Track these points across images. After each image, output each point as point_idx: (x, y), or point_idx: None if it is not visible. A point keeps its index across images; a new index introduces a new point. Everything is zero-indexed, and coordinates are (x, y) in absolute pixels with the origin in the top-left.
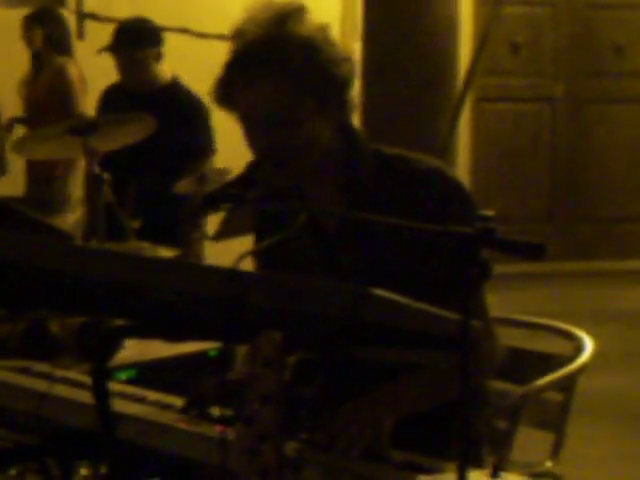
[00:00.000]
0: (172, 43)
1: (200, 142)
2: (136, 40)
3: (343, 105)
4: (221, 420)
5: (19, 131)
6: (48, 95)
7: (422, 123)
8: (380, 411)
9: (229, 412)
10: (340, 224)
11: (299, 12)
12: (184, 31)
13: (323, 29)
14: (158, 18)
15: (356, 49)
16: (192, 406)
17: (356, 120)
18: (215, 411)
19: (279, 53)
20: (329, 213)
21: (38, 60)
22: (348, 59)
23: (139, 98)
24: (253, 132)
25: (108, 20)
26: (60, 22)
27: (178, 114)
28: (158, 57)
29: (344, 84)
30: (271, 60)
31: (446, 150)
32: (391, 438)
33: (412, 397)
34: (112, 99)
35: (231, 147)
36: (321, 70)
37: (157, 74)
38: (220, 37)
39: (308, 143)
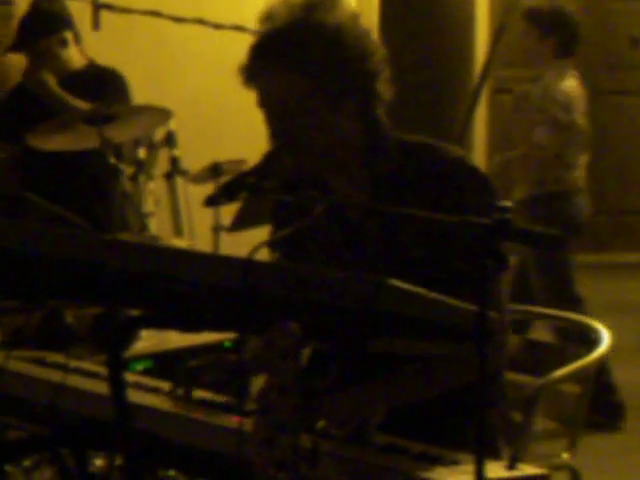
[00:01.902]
0: (188, 34)
1: None
2: (35, 32)
3: (369, 97)
4: (237, 410)
5: None
6: None
7: (439, 116)
8: (371, 398)
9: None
10: (363, 212)
11: (328, 1)
12: (200, 22)
13: (354, 18)
14: (174, 9)
15: None
16: (179, 386)
17: None
18: (200, 393)
19: (301, 42)
20: (348, 203)
21: None
22: (377, 51)
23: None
24: (268, 117)
25: (123, 11)
26: (66, 7)
27: (101, 93)
28: (63, 43)
29: (369, 77)
30: (292, 48)
31: (462, 141)
32: (408, 429)
33: (406, 386)
34: (19, 100)
35: (247, 137)
36: (343, 62)
37: (67, 60)
38: (236, 28)
39: (323, 133)
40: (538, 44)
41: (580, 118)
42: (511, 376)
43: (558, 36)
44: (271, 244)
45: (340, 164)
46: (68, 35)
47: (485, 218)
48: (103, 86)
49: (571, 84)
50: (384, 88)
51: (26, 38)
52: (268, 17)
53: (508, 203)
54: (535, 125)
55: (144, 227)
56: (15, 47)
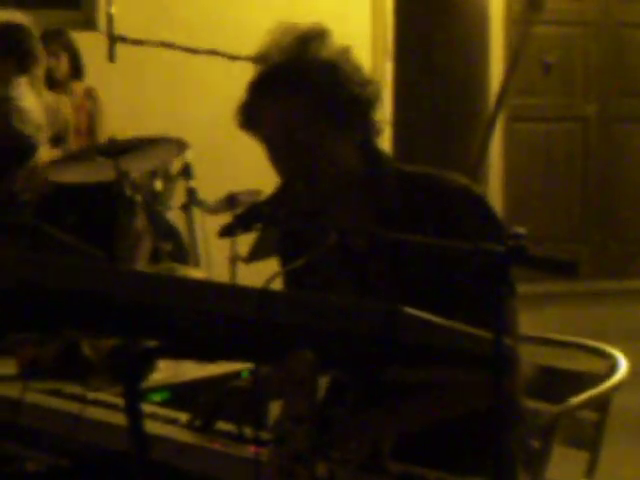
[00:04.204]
0: (203, 65)
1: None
2: None
3: (367, 127)
4: (254, 440)
5: None
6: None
7: (454, 143)
8: (381, 426)
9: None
10: (369, 243)
11: (322, 35)
12: (214, 53)
13: (346, 52)
14: (188, 41)
15: (387, 69)
16: (197, 418)
17: (387, 140)
18: (219, 424)
19: (301, 75)
20: (361, 232)
21: (59, 89)
22: (372, 81)
23: None
24: (275, 154)
25: (138, 43)
26: (75, 43)
27: None
28: None
29: (367, 106)
30: (293, 81)
31: (478, 169)
32: (424, 457)
33: (417, 413)
34: None
35: (263, 168)
36: (343, 92)
37: None
38: (250, 59)
39: (330, 163)
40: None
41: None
42: (528, 403)
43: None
44: (286, 273)
45: (344, 195)
46: None
47: (499, 244)
48: None
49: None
50: (379, 119)
51: None
52: (262, 58)
53: (522, 230)
54: None
55: (162, 257)
56: None
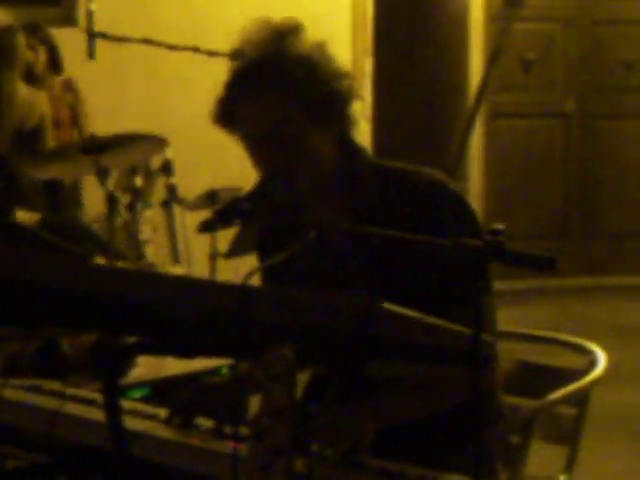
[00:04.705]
0: (183, 62)
1: None
2: None
3: (344, 120)
4: (233, 436)
5: None
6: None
7: (433, 140)
8: (360, 421)
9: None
10: (347, 240)
11: (296, 30)
12: (194, 49)
13: (321, 46)
14: (169, 37)
15: (367, 66)
16: (175, 415)
17: (367, 136)
18: (199, 420)
19: (278, 69)
20: (339, 227)
21: (38, 83)
22: (348, 75)
23: None
24: (255, 149)
25: (118, 40)
26: (53, 38)
27: None
28: None
29: (344, 99)
30: (270, 77)
31: (458, 166)
32: (404, 452)
33: (395, 408)
34: None
35: (243, 165)
36: (320, 85)
37: None
38: (228, 55)
39: (310, 158)
40: None
41: None
42: (507, 399)
43: None
44: (265, 269)
45: (322, 191)
46: None
47: (478, 240)
48: None
49: None
50: (354, 112)
51: None
52: (237, 54)
53: (500, 225)
54: None
55: (141, 255)
56: None
